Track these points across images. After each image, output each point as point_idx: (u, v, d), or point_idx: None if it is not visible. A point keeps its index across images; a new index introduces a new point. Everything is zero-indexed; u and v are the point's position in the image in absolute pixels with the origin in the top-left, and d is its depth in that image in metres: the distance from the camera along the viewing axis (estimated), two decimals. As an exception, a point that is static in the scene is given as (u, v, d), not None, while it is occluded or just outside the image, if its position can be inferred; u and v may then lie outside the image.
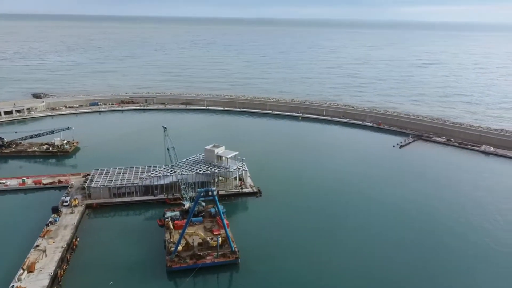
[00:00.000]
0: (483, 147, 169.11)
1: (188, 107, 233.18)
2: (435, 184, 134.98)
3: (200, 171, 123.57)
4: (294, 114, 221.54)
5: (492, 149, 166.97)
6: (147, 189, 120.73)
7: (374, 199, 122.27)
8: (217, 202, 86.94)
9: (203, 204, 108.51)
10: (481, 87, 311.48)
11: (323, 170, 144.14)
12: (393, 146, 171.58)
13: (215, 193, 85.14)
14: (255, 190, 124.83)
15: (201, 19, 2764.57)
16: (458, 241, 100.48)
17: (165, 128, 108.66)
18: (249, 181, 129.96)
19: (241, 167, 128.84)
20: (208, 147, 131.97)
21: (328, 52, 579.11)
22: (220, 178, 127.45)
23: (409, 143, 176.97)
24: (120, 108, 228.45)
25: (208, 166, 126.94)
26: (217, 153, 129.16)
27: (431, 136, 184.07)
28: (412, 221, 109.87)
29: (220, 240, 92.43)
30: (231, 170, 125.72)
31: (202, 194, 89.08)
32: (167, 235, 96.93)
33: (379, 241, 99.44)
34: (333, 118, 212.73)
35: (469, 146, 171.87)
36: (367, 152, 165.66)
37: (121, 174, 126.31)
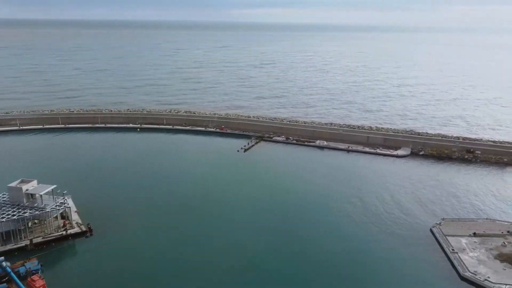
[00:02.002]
0: (317, 142, 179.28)
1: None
2: (283, 180, 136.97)
3: (3, 218, 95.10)
4: (131, 125, 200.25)
5: (325, 143, 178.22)
6: None
7: (229, 211, 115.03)
8: (13, 275, 63.60)
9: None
10: (311, 83, 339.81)
11: (167, 187, 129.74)
12: (238, 151, 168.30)
13: (5, 263, 61.65)
14: (83, 228, 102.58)
15: (17, 21, 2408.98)
16: (316, 226, 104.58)
17: None
18: (75, 218, 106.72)
19: (62, 204, 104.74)
20: (14, 184, 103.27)
21: (168, 55, 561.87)
22: (35, 221, 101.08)
23: (253, 145, 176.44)
24: None
25: (15, 210, 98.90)
26: (27, 190, 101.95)
27: (271, 136, 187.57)
28: (272, 218, 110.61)
29: (30, 313, 69.74)
30: (48, 210, 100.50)
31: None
32: None
33: (239, 257, 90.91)
34: (175, 127, 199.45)
35: (306, 142, 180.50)
36: (213, 159, 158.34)
37: None
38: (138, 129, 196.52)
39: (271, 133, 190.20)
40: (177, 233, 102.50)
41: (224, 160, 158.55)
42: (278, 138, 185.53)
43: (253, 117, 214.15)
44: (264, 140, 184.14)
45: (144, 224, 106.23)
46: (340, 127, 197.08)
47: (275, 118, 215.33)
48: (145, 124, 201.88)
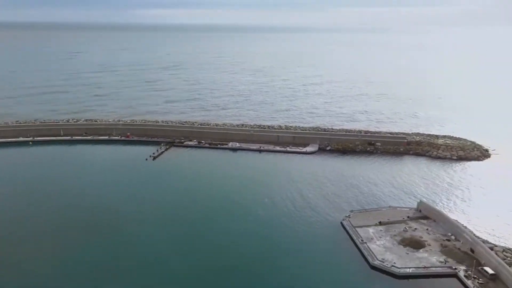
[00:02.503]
0: (230, 144, 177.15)
1: None
2: (194, 186, 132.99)
3: None
4: (21, 139, 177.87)
5: (237, 144, 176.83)
6: None
7: (141, 223, 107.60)
8: None
9: None
10: (221, 85, 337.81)
11: (68, 205, 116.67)
12: (146, 159, 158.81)
13: None
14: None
15: None
16: (238, 226, 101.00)
17: None
18: None
19: None
20: None
21: (63, 59, 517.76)
22: None
23: (163, 152, 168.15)
24: None
25: None
26: None
27: (182, 141, 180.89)
28: (183, 225, 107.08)
29: None
30: None
31: None
32: None
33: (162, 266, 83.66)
34: (74, 137, 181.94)
35: (219, 145, 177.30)
36: (120, 170, 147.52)
37: None
38: (30, 142, 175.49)
39: (182, 138, 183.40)
40: (82, 256, 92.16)
41: (132, 170, 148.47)
42: (189, 143, 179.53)
43: (162, 122, 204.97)
44: (175, 146, 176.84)
45: (42, 249, 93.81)
46: (251, 127, 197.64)
47: (186, 122, 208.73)
48: (39, 136, 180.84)
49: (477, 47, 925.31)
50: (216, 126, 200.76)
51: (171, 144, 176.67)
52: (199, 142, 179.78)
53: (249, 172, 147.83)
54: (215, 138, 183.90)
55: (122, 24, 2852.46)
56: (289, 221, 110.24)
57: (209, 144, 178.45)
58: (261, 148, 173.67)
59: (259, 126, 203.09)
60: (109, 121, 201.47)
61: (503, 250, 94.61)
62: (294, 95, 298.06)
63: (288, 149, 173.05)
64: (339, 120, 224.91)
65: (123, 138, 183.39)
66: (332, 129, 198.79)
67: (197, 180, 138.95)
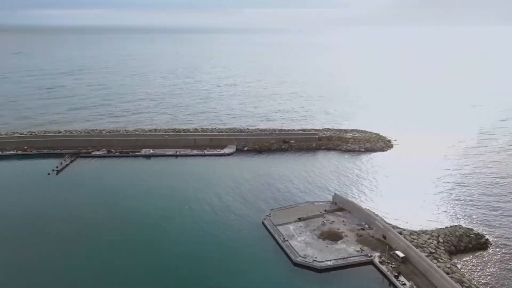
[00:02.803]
0: (143, 151, 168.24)
1: None
2: (104, 200, 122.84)
3: None
4: None
5: (151, 150, 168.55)
6: None
7: (48, 242, 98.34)
8: None
9: None
10: (130, 89, 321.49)
11: None
12: (49, 173, 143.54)
13: None
14: None
15: None
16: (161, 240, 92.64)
17: None
18: None
19: None
20: None
21: None
22: None
23: (68, 164, 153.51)
24: None
25: None
26: None
27: (90, 151, 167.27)
28: (103, 240, 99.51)
29: None
30: None
31: None
32: None
33: None
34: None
35: (130, 153, 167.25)
36: (18, 189, 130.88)
37: None
38: None
39: (89, 148, 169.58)
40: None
41: (33, 186, 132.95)
42: (97, 153, 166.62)
43: (65, 131, 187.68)
44: (81, 157, 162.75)
45: None
46: (166, 132, 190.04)
47: (93, 130, 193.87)
48: None
49: (376, 45, 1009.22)
50: (127, 132, 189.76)
51: (76, 155, 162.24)
52: (109, 151, 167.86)
53: (165, 179, 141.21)
54: (127, 146, 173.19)
55: (12, 26, 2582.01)
56: (209, 226, 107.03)
57: (120, 152, 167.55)
58: (177, 153, 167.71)
59: (174, 130, 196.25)
60: (1, 135, 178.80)
61: (410, 234, 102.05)
62: (209, 97, 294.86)
63: (205, 152, 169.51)
64: (254, 120, 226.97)
65: (19, 152, 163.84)
66: (248, 129, 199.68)
67: (108, 192, 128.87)
